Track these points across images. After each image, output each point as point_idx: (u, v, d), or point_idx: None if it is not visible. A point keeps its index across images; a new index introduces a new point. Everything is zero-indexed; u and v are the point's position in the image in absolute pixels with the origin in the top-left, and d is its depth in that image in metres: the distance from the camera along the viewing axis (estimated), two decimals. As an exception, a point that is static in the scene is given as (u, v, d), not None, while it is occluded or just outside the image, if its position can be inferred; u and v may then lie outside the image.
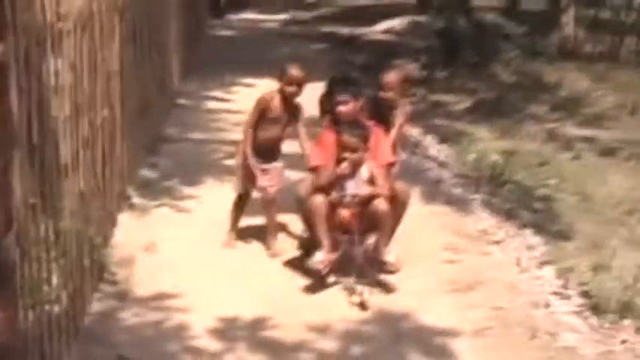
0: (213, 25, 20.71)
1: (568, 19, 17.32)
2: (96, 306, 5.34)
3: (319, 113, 6.62)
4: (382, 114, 6.48)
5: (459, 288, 5.91)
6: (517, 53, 15.34)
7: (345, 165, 5.75)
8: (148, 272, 5.91)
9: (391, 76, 6.69)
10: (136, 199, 7.22)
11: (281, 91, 6.33)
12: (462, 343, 5.19)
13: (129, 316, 5.28)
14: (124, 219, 6.79)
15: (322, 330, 5.25)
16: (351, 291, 5.73)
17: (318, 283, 5.81)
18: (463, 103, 12.72)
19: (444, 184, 8.50)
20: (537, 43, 16.34)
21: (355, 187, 5.79)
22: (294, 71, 6.31)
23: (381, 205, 5.69)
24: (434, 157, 9.58)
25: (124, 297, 5.54)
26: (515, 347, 5.17)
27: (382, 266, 5.90)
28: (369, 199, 5.73)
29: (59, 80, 4.59)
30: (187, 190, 7.78)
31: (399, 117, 6.63)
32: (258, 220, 6.67)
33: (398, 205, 5.86)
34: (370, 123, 6.12)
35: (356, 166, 5.79)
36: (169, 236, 6.62)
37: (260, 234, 6.61)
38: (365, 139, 5.82)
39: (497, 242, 6.85)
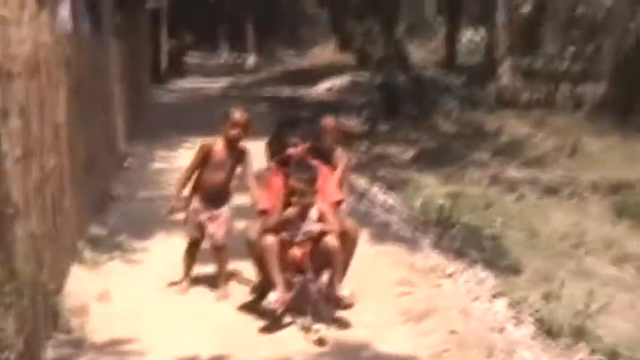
0: (156, 91, 20.80)
1: (504, 69, 17.73)
2: (50, 353, 5.25)
3: (267, 158, 6.63)
4: (324, 157, 6.55)
5: (412, 317, 5.93)
6: (456, 104, 15.65)
7: (292, 209, 5.79)
8: (102, 320, 5.85)
9: (327, 120, 6.91)
10: (87, 253, 7.17)
11: (225, 136, 6.34)
12: (420, 367, 5.22)
13: (85, 362, 5.22)
14: (76, 271, 6.73)
15: (281, 364, 5.24)
16: (307, 330, 5.71)
17: (274, 323, 5.78)
18: (407, 153, 12.92)
19: (391, 227, 8.56)
20: (475, 93, 16.72)
21: (305, 229, 5.82)
22: (237, 114, 6.34)
23: (331, 241, 5.72)
24: (381, 203, 9.67)
25: (79, 344, 5.45)
26: (473, 367, 5.21)
27: (337, 302, 5.90)
28: (319, 236, 5.77)
29: (9, 122, 4.60)
30: (137, 244, 7.79)
31: (340, 158, 6.77)
32: (211, 268, 6.65)
33: (348, 240, 5.90)
34: (317, 163, 6.16)
35: (304, 209, 5.83)
36: (122, 286, 6.59)
37: (214, 280, 6.59)
38: (313, 181, 5.86)
39: (449, 276, 6.90)
